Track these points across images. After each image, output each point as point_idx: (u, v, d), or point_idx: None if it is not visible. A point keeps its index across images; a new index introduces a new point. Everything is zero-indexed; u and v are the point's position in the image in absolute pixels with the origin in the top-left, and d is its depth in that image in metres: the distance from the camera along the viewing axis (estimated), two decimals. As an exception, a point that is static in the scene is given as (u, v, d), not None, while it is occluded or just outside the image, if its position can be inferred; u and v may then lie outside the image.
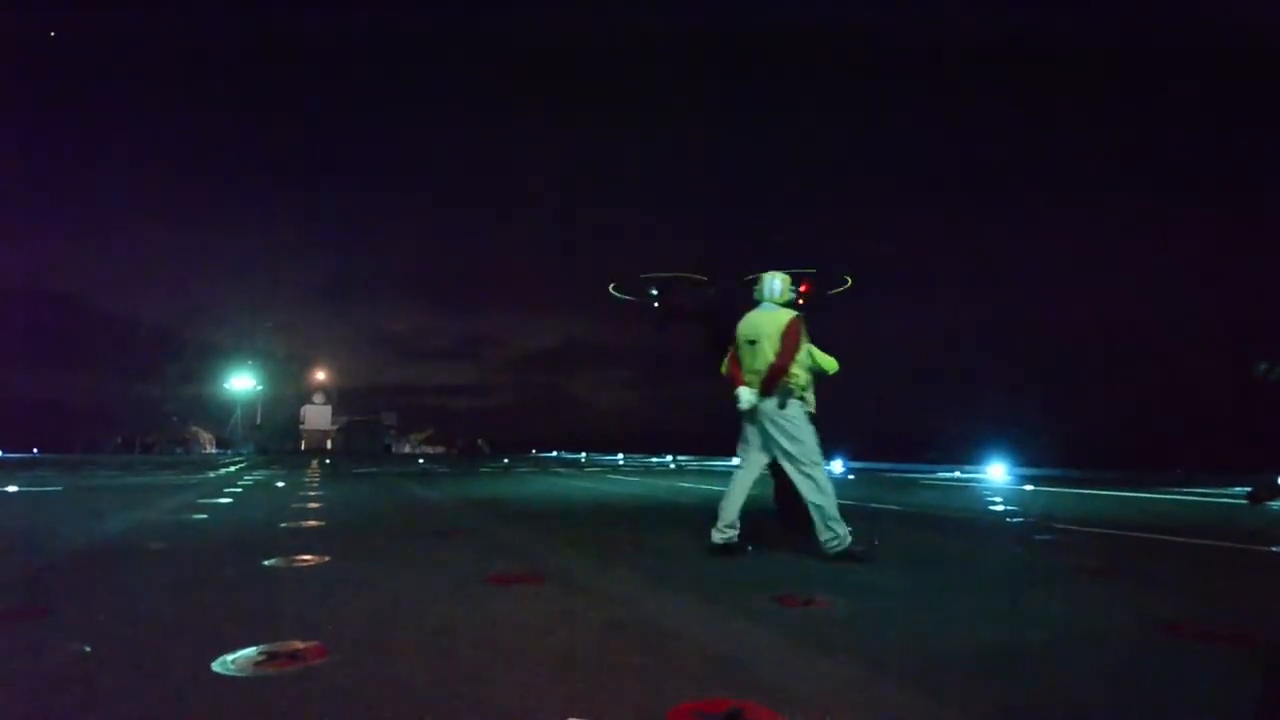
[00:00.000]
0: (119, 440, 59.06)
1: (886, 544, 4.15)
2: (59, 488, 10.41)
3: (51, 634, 2.39)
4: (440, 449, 71.96)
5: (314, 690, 1.85)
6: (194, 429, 69.49)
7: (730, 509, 4.08)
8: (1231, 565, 4.15)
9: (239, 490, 9.76)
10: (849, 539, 3.83)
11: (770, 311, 4.15)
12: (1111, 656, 2.22)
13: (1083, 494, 9.60)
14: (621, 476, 15.01)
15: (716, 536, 4.06)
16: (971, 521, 6.40)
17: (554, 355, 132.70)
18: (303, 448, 71.37)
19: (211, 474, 15.48)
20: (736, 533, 4.06)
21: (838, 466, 16.51)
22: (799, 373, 4.04)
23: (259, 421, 74.45)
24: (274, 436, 71.25)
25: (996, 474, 15.44)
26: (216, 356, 74.61)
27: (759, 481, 4.23)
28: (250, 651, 2.14)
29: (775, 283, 4.24)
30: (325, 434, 76.37)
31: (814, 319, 4.31)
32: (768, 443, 4.06)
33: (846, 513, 3.94)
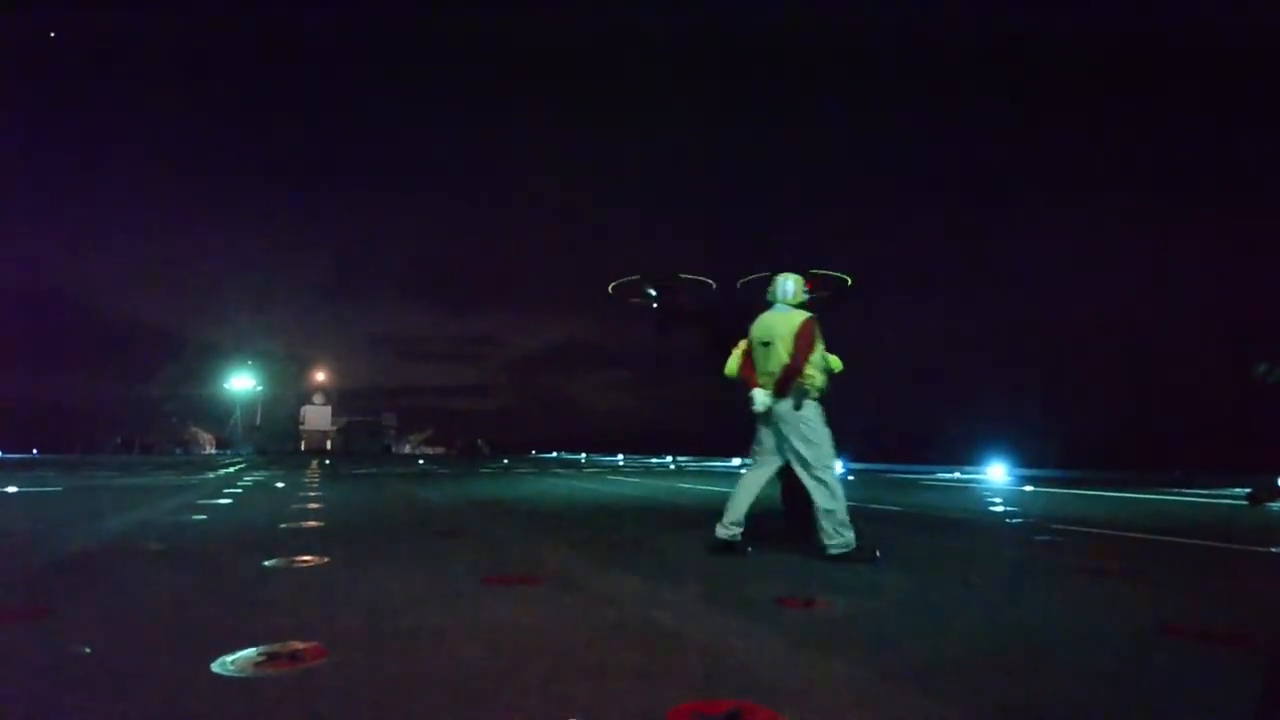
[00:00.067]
0: (119, 441, 59.11)
1: (886, 545, 4.15)
2: (59, 488, 10.40)
3: (51, 634, 2.39)
4: (440, 450, 72.09)
5: (313, 691, 1.86)
6: (194, 429, 69.60)
7: (737, 507, 4.07)
8: (1231, 565, 4.16)
9: (239, 491, 9.76)
10: (854, 542, 3.83)
11: (783, 313, 4.13)
12: (1111, 657, 2.22)
13: (1082, 494, 9.60)
14: (621, 477, 15.01)
15: (720, 532, 4.05)
16: (971, 522, 6.40)
17: (554, 356, 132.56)
18: (302, 448, 71.44)
19: (211, 474, 15.48)
20: (740, 531, 4.05)
21: (838, 467, 16.47)
22: (814, 374, 4.02)
23: (259, 422, 74.56)
24: (274, 437, 71.33)
25: (996, 474, 15.45)
26: (216, 357, 74.78)
27: (769, 483, 4.22)
28: (250, 652, 2.14)
29: (788, 284, 4.23)
30: (325, 434, 76.45)
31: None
32: (781, 445, 4.05)
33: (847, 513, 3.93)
